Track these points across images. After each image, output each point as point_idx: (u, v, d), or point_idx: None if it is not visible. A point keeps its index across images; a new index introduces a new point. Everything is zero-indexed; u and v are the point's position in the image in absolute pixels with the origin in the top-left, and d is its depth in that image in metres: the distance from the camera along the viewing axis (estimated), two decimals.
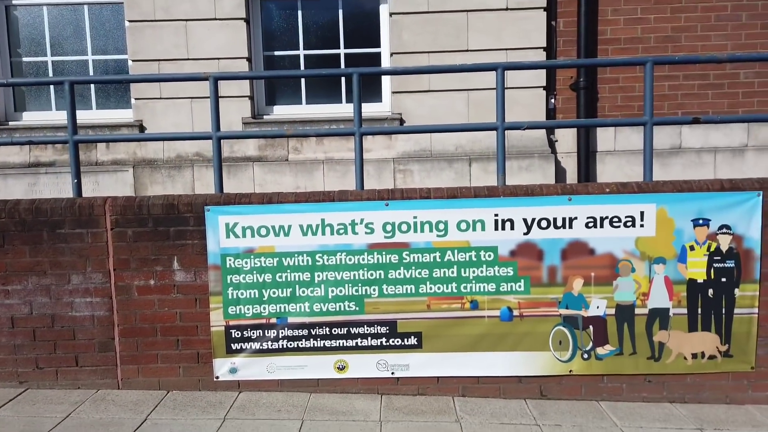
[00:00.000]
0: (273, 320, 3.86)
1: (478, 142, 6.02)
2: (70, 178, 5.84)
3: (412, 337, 3.86)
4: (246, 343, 3.87)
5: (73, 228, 3.88)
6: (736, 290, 3.78)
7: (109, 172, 6.12)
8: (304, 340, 3.87)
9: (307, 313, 3.85)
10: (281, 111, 6.37)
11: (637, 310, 3.81)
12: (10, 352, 3.95)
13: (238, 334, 3.87)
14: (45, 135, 6.07)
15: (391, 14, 6.02)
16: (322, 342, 3.87)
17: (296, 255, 3.81)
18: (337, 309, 3.84)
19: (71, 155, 4.09)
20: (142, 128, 6.15)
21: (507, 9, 5.93)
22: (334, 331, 3.86)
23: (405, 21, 5.98)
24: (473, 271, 3.80)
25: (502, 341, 3.84)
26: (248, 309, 3.85)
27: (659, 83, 5.90)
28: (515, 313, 3.82)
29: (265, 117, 6.28)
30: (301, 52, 6.30)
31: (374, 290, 3.82)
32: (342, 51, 6.28)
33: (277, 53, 6.31)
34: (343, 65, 6.29)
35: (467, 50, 5.96)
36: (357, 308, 3.84)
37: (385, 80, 6.26)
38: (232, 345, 3.88)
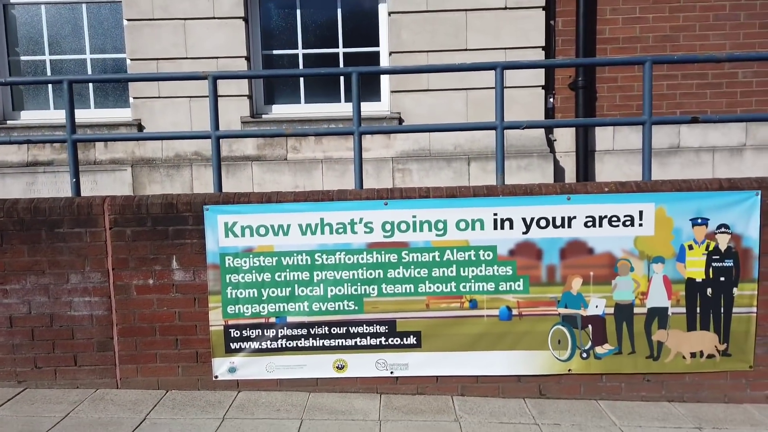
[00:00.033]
0: (272, 320, 3.86)
1: (477, 142, 6.02)
2: (68, 178, 5.85)
3: (411, 336, 3.86)
4: (245, 343, 3.87)
5: (71, 227, 3.87)
6: (735, 289, 3.79)
7: (107, 171, 6.11)
8: (303, 339, 3.87)
9: (306, 312, 3.85)
10: (280, 110, 6.36)
11: (636, 310, 3.82)
12: (8, 352, 3.95)
13: (237, 334, 3.87)
14: (43, 134, 6.06)
15: (389, 13, 6.02)
16: (321, 341, 3.87)
17: (295, 254, 3.81)
18: (337, 308, 3.84)
19: (70, 154, 4.08)
20: (140, 127, 6.14)
21: (506, 8, 5.94)
22: (333, 330, 3.86)
23: (404, 20, 5.97)
24: (472, 271, 3.80)
25: (501, 340, 3.84)
26: (247, 308, 3.85)
27: (658, 82, 5.91)
28: (514, 312, 3.83)
29: (263, 116, 6.27)
30: (300, 51, 6.29)
31: (373, 289, 3.82)
32: (341, 50, 6.28)
33: (275, 52, 6.30)
34: (341, 64, 6.29)
35: (466, 49, 5.96)
36: (356, 308, 3.84)
37: (384, 79, 6.25)
38: (231, 344, 3.88)
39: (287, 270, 3.82)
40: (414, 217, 3.77)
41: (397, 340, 3.86)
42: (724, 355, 3.83)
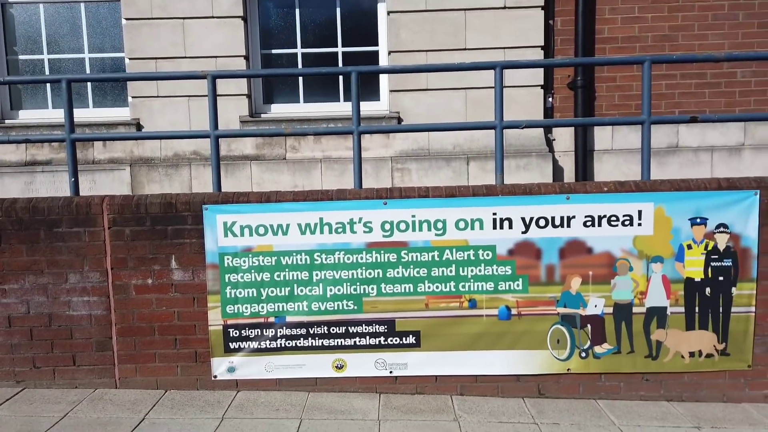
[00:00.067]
0: (271, 319, 3.86)
1: (476, 141, 6.02)
2: (66, 177, 5.83)
3: (411, 336, 3.86)
4: (244, 342, 3.87)
5: (70, 227, 3.86)
6: (734, 289, 3.80)
7: (105, 170, 6.10)
8: (302, 339, 3.86)
9: (305, 312, 3.85)
10: (279, 109, 6.36)
11: (635, 309, 3.82)
12: (7, 352, 3.94)
13: (236, 333, 3.86)
14: (42, 133, 6.05)
15: (389, 13, 6.02)
16: (321, 341, 3.87)
17: (294, 254, 3.81)
18: (336, 308, 3.84)
19: (68, 154, 4.07)
20: (139, 126, 6.14)
21: (505, 8, 5.93)
22: (333, 330, 3.86)
23: (403, 19, 5.97)
24: (471, 270, 3.80)
25: (500, 340, 3.84)
26: (246, 308, 3.85)
27: (656, 82, 5.91)
28: (513, 311, 3.83)
29: (262, 115, 6.27)
30: (299, 51, 6.29)
31: (373, 289, 3.82)
32: (340, 49, 6.27)
33: (274, 51, 6.29)
34: (340, 64, 6.28)
35: (465, 49, 5.96)
36: (355, 307, 3.84)
37: (383, 79, 6.25)
38: (230, 344, 3.87)
39: (286, 270, 3.81)
40: (413, 216, 3.77)
41: (396, 340, 3.86)
42: (722, 354, 3.83)
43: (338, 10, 6.23)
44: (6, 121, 6.33)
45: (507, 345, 3.84)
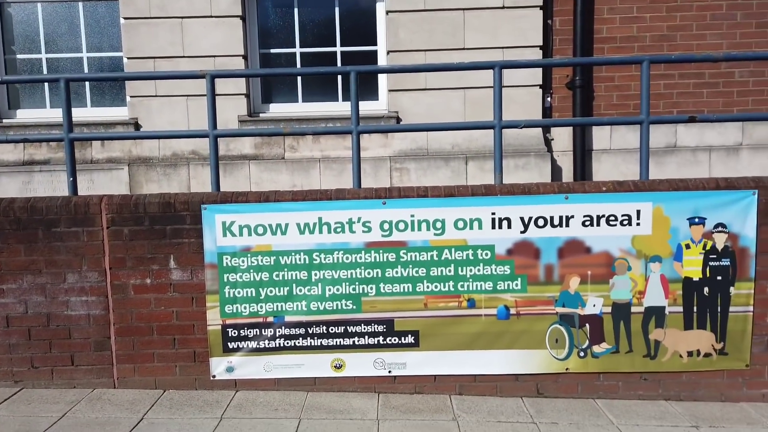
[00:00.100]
0: (270, 319, 3.86)
1: (475, 141, 6.02)
2: (64, 177, 5.82)
3: (410, 335, 3.86)
4: (243, 342, 3.87)
5: (68, 226, 3.86)
6: (732, 288, 3.80)
7: (104, 170, 6.10)
8: (301, 338, 3.86)
9: (304, 311, 3.84)
10: (277, 109, 6.35)
11: (633, 309, 3.83)
12: (5, 352, 3.93)
13: (234, 333, 3.86)
14: (40, 133, 6.03)
15: (387, 12, 6.02)
16: (319, 341, 3.86)
17: (293, 254, 3.80)
18: (335, 308, 3.84)
19: (67, 153, 4.06)
20: (137, 126, 6.13)
21: (503, 7, 5.94)
22: (332, 329, 3.86)
23: (401, 19, 5.97)
24: (470, 270, 3.80)
25: (498, 339, 3.84)
26: (245, 308, 3.84)
27: (655, 82, 5.91)
28: (512, 311, 3.83)
29: (261, 115, 6.27)
30: (298, 50, 6.28)
31: (371, 289, 3.82)
32: (338, 49, 6.27)
33: (273, 51, 6.29)
34: (339, 63, 6.28)
35: (464, 48, 5.97)
36: (354, 307, 3.84)
37: (382, 78, 6.25)
38: (229, 344, 3.87)
39: (285, 269, 3.81)
40: (412, 216, 3.77)
41: (395, 340, 3.86)
42: (720, 353, 3.84)
43: (337, 9, 6.23)
44: (4, 120, 6.32)
45: (506, 344, 3.85)
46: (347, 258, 3.80)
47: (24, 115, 6.38)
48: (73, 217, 3.85)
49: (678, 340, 3.84)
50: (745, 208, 3.75)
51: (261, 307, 3.84)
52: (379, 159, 6.00)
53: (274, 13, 6.28)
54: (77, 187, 4.14)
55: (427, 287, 3.81)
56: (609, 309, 3.83)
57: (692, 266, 3.80)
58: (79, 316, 3.90)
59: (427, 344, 3.86)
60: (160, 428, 3.43)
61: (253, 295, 3.83)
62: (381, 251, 3.79)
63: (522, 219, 3.76)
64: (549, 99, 6.14)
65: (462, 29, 5.96)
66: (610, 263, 3.79)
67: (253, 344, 3.87)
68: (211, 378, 3.91)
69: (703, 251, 3.78)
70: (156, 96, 6.08)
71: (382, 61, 6.22)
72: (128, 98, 6.17)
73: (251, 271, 3.81)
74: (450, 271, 3.80)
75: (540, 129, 6.08)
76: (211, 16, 5.98)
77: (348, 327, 3.86)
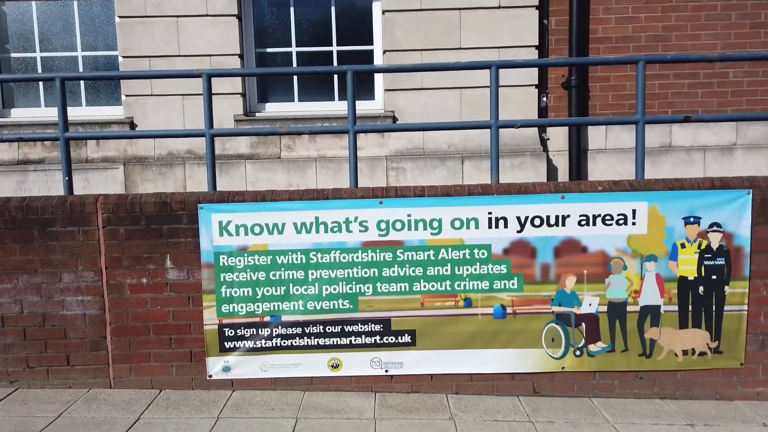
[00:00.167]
0: (267, 318, 3.85)
1: (471, 140, 6.03)
2: (59, 176, 5.80)
3: (406, 335, 3.86)
4: (239, 342, 3.86)
5: (64, 226, 3.84)
6: (726, 287, 3.82)
7: (99, 169, 6.07)
8: (298, 338, 3.86)
9: (301, 311, 3.84)
10: (273, 108, 6.35)
11: (629, 308, 3.84)
12: (0, 352, 3.91)
13: (231, 333, 3.85)
14: (34, 132, 6.01)
15: (383, 12, 6.02)
16: (316, 340, 3.86)
17: (290, 253, 3.80)
18: (331, 307, 3.84)
19: (62, 152, 4.05)
20: (132, 125, 6.11)
21: (499, 7, 5.95)
22: (328, 329, 3.85)
23: (398, 18, 5.97)
24: (467, 269, 3.81)
25: (495, 339, 3.85)
26: (242, 307, 3.84)
27: (650, 82, 5.93)
28: (508, 310, 3.84)
29: (257, 114, 6.26)
30: (294, 49, 6.28)
31: (368, 288, 3.83)
32: (334, 48, 6.27)
33: (269, 50, 6.28)
34: (335, 62, 6.28)
35: (460, 48, 5.98)
36: (351, 306, 3.84)
37: (378, 78, 6.25)
38: (226, 343, 3.86)
39: (282, 269, 3.81)
40: (409, 215, 3.78)
41: (391, 339, 3.86)
42: (715, 352, 3.86)
43: (333, 8, 6.23)
44: None
45: (502, 344, 3.86)
46: (344, 257, 3.80)
47: (18, 114, 6.34)
48: (68, 217, 3.83)
49: (673, 339, 3.86)
50: (740, 208, 3.78)
51: (258, 306, 3.84)
52: (375, 158, 6.01)
53: (270, 12, 6.28)
54: (73, 187, 4.13)
55: (424, 286, 3.82)
56: (605, 308, 3.85)
57: (687, 265, 3.82)
58: (75, 316, 3.88)
59: (423, 343, 3.86)
60: (157, 428, 3.42)
61: (250, 294, 3.82)
62: (378, 251, 3.80)
63: (518, 218, 3.77)
64: (545, 99, 6.16)
65: (458, 29, 5.97)
66: (606, 262, 3.81)
67: (249, 344, 3.86)
68: (208, 378, 3.90)
69: (698, 250, 3.80)
70: (151, 95, 6.06)
71: (379, 60, 6.22)
72: (123, 97, 6.15)
73: (248, 270, 3.81)
74: (447, 270, 3.81)
75: (536, 129, 6.10)
76: (207, 15, 5.96)
77: (345, 326, 3.86)
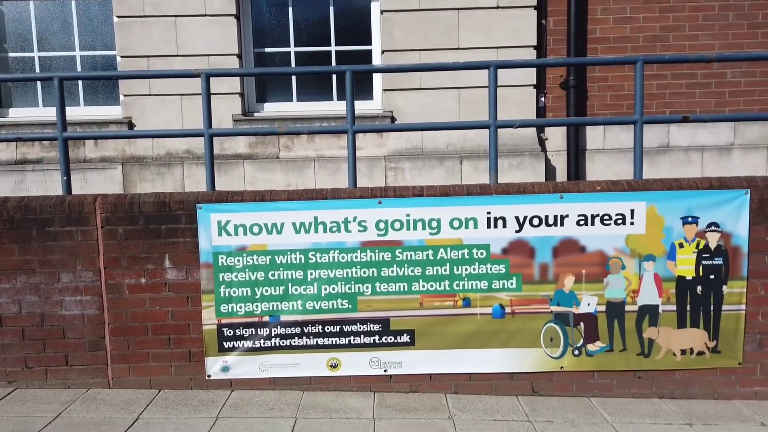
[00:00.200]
0: (266, 318, 3.85)
1: (469, 140, 6.04)
2: (57, 176, 5.80)
3: (405, 334, 3.87)
4: (238, 342, 3.86)
5: (62, 226, 3.84)
6: (724, 287, 3.83)
7: (97, 169, 6.07)
8: (296, 338, 3.86)
9: (299, 311, 3.84)
10: (272, 108, 6.34)
11: (627, 307, 3.85)
12: None
13: (230, 333, 3.85)
14: (32, 132, 6.00)
15: (382, 12, 6.02)
16: (315, 340, 3.86)
17: (289, 253, 3.80)
18: (330, 307, 3.84)
19: (61, 152, 4.04)
20: (131, 125, 6.10)
21: (498, 7, 5.96)
22: (327, 329, 3.86)
23: (396, 18, 5.97)
24: (466, 269, 3.81)
25: (494, 338, 3.86)
26: (240, 307, 3.84)
27: (647, 82, 5.96)
28: (507, 310, 3.84)
29: (255, 114, 6.26)
30: (292, 49, 6.28)
31: (367, 288, 3.83)
32: (333, 48, 6.27)
33: (267, 50, 6.28)
34: (333, 62, 6.28)
35: (458, 48, 5.98)
36: (350, 306, 3.84)
37: (376, 78, 6.25)
38: (225, 343, 3.86)
39: (281, 269, 3.81)
40: (408, 215, 3.78)
41: (390, 339, 3.86)
42: (713, 352, 3.87)
43: (331, 8, 6.23)
44: None
45: (501, 343, 3.86)
46: (343, 257, 3.80)
47: (16, 114, 6.33)
48: (67, 217, 3.83)
49: (671, 339, 3.86)
50: (738, 208, 3.79)
51: (256, 306, 3.84)
52: (373, 158, 6.01)
53: (268, 12, 6.27)
54: (71, 187, 4.12)
55: (423, 286, 3.82)
56: (603, 308, 3.86)
57: (685, 265, 3.83)
58: (74, 316, 3.88)
59: (422, 343, 3.87)
60: (156, 428, 3.42)
61: (249, 294, 3.82)
62: (377, 250, 3.80)
63: (517, 218, 3.78)
64: (543, 99, 6.17)
65: (456, 29, 5.98)
66: (604, 262, 3.82)
67: (248, 344, 3.86)
68: (207, 378, 3.90)
69: (697, 250, 3.81)
70: (150, 95, 6.06)
71: (377, 60, 6.22)
72: (122, 97, 6.14)
73: (247, 270, 3.81)
74: (445, 270, 3.81)
75: (534, 129, 6.11)
76: (206, 15, 5.96)
77: (344, 326, 3.86)
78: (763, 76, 6.11)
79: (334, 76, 6.30)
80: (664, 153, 6.16)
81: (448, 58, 5.89)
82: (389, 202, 3.79)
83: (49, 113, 6.13)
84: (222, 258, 3.80)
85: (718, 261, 3.82)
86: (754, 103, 6.13)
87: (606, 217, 3.78)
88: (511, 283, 3.82)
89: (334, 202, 3.81)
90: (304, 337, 3.86)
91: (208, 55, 5.98)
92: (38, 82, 6.31)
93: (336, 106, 6.27)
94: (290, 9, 6.23)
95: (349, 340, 3.87)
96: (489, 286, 3.82)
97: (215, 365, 3.88)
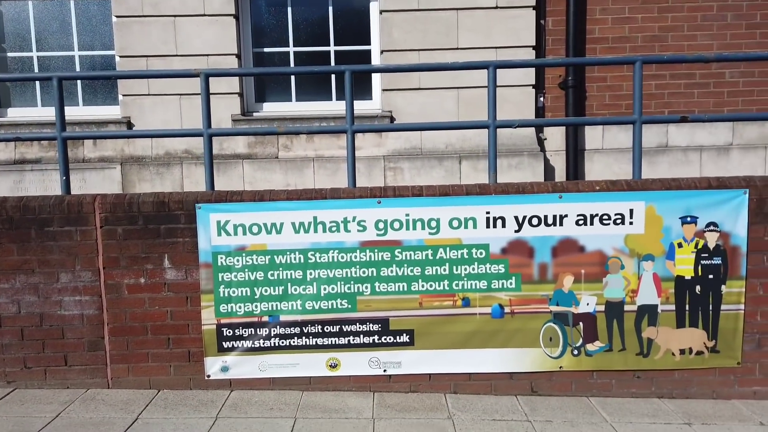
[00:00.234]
0: (265, 318, 3.85)
1: (468, 140, 6.04)
2: (56, 176, 5.80)
3: (404, 334, 3.87)
4: (238, 342, 3.86)
5: (61, 226, 3.83)
6: (723, 287, 3.84)
7: (96, 169, 6.06)
8: (296, 338, 3.86)
9: (299, 311, 3.84)
10: (271, 108, 6.34)
11: (627, 307, 3.86)
12: None
13: (229, 333, 3.85)
14: (31, 131, 5.99)
15: (381, 12, 6.02)
16: (315, 340, 3.87)
17: (288, 253, 3.80)
18: (330, 307, 3.84)
19: (60, 152, 4.04)
20: (130, 125, 6.10)
21: (497, 7, 5.96)
22: (327, 329, 3.86)
23: (395, 18, 5.98)
24: (465, 269, 3.82)
25: (493, 338, 3.86)
26: (240, 307, 3.84)
27: (646, 82, 5.96)
28: (506, 310, 3.85)
29: (254, 114, 6.25)
30: (291, 49, 6.28)
31: (366, 288, 3.83)
32: (332, 48, 6.27)
33: (266, 50, 6.28)
34: (332, 62, 6.28)
35: (457, 48, 5.98)
36: (349, 306, 3.84)
37: (375, 78, 6.26)
38: (224, 343, 3.86)
39: (280, 268, 3.81)
40: (407, 215, 3.78)
41: (390, 339, 3.87)
42: (712, 351, 3.88)
43: (330, 8, 6.23)
44: None
45: (500, 343, 3.87)
46: (342, 257, 3.80)
47: (14, 113, 6.32)
48: (66, 217, 3.83)
49: (670, 338, 3.87)
50: (737, 207, 3.79)
51: (256, 306, 3.84)
52: (372, 158, 6.01)
53: (267, 12, 6.27)
54: (70, 186, 4.12)
55: (422, 286, 3.83)
56: (602, 307, 3.86)
57: (684, 265, 3.83)
58: (73, 316, 3.88)
59: (422, 343, 3.87)
60: (155, 428, 3.42)
61: (248, 294, 3.82)
62: (376, 250, 3.80)
63: (516, 218, 3.78)
64: (542, 99, 6.18)
65: (455, 29, 5.98)
66: (603, 262, 3.82)
67: (248, 344, 3.86)
68: (206, 378, 3.90)
69: (695, 250, 3.82)
70: (149, 95, 6.05)
71: (376, 60, 6.22)
72: (121, 97, 6.14)
73: (246, 270, 3.81)
74: (445, 270, 3.82)
75: (533, 129, 6.11)
76: (204, 15, 5.96)
77: (343, 326, 3.86)
78: (761, 76, 6.12)
79: (333, 76, 6.30)
80: (662, 153, 6.17)
81: (447, 58, 5.89)
82: (388, 202, 3.79)
83: (48, 113, 6.12)
84: (221, 258, 3.80)
85: (717, 261, 3.82)
86: (753, 103, 6.14)
87: (605, 217, 3.79)
88: (511, 283, 3.83)
89: (334, 202, 3.81)
90: (304, 337, 3.86)
91: (207, 55, 5.98)
92: (37, 82, 6.30)
93: (335, 106, 6.27)
94: (289, 9, 6.23)
95: (349, 340, 3.87)
96: (488, 285, 3.83)
97: (214, 365, 3.88)
